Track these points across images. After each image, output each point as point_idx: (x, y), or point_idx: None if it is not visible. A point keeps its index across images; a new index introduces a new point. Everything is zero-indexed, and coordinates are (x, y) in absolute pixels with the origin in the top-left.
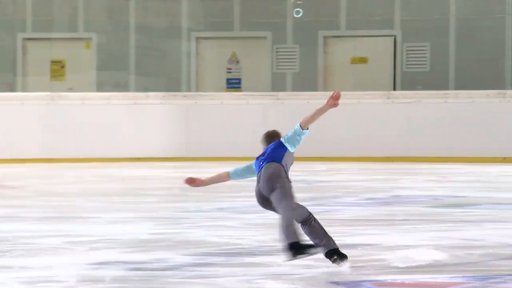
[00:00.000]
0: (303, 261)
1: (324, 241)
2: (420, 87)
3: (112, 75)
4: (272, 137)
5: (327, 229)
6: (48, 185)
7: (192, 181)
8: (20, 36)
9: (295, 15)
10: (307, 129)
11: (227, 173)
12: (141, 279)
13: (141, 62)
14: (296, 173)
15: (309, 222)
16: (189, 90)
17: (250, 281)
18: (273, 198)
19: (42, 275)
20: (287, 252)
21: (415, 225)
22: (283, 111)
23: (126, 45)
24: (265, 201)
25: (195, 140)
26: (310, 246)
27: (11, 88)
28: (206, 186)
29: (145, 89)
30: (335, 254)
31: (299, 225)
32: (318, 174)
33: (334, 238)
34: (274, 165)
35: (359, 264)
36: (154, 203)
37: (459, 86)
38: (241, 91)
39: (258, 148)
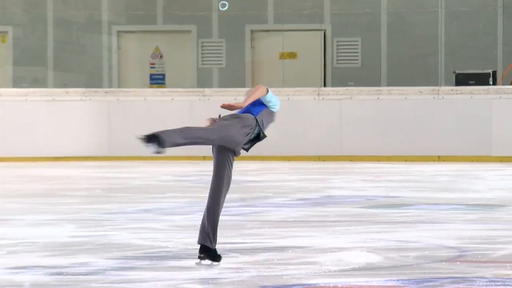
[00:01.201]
0: (232, 264)
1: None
2: (351, 83)
3: (30, 70)
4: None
5: (256, 231)
6: None
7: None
8: None
9: (220, 8)
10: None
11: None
12: (62, 284)
13: (60, 57)
14: None
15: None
16: (110, 86)
17: (177, 285)
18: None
19: None
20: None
21: (348, 227)
22: (210, 108)
23: (44, 39)
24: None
25: (117, 139)
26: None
27: None
28: (129, 187)
29: (65, 85)
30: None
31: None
32: (247, 174)
33: (264, 241)
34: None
35: (290, 268)
36: (75, 204)
37: (392, 83)
38: (165, 87)
39: (186, 147)
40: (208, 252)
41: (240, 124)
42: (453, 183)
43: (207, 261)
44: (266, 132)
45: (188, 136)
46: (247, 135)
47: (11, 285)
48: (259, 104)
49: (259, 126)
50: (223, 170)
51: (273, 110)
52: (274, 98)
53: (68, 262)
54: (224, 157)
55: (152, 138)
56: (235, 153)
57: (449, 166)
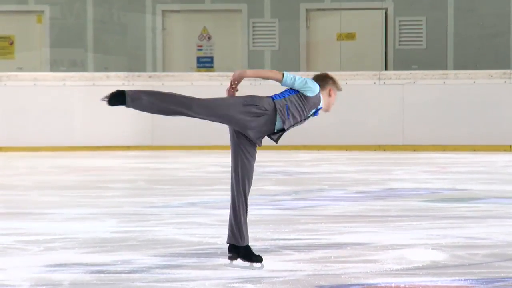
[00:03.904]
0: (286, 262)
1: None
2: (415, 66)
3: (67, 52)
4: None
5: (312, 226)
6: None
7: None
8: None
9: None
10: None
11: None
12: (103, 283)
13: (100, 38)
14: (277, 163)
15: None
16: (154, 70)
17: (226, 285)
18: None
19: None
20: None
21: (411, 222)
22: (262, 93)
23: (83, 19)
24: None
25: (162, 127)
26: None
27: None
28: (175, 178)
29: (105, 68)
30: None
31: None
32: (301, 165)
33: (320, 237)
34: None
35: (348, 266)
36: (116, 197)
37: (459, 66)
38: (213, 71)
39: None
40: (238, 250)
41: (243, 102)
42: None
43: (246, 262)
44: (309, 122)
45: (164, 103)
46: (255, 116)
47: (49, 284)
48: (288, 90)
49: (279, 113)
50: (237, 159)
51: (308, 95)
52: (299, 81)
53: (109, 259)
54: (237, 143)
55: (117, 96)
56: (255, 143)
57: None
